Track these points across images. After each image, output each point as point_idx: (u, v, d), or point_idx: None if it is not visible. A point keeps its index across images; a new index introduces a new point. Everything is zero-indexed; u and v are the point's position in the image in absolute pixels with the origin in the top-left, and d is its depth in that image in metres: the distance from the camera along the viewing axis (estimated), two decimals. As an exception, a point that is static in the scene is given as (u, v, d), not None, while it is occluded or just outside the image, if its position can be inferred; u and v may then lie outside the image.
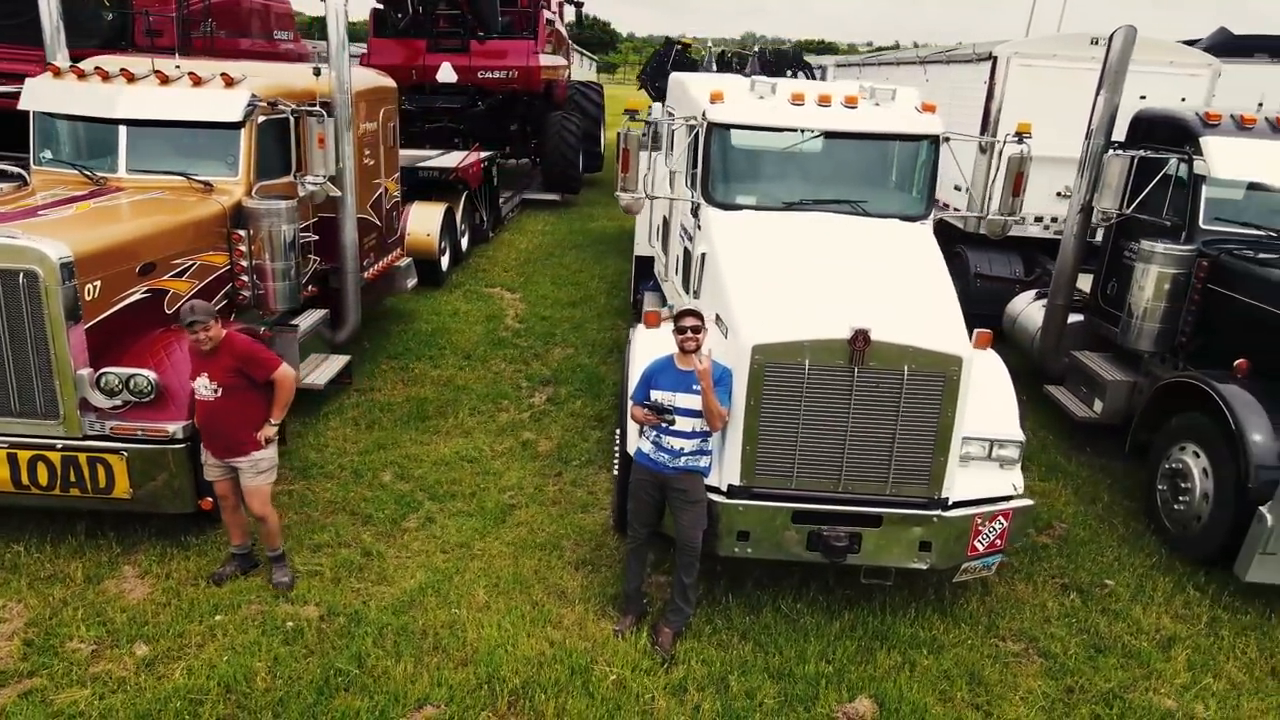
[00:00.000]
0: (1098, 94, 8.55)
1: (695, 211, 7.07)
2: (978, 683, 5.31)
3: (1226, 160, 7.53)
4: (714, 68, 19.67)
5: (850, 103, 6.93)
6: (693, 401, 5.28)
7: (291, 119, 7.52)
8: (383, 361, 10.05)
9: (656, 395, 5.34)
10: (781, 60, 20.42)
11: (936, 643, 5.62)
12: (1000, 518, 5.69)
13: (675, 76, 9.80)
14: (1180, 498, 6.86)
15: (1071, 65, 11.35)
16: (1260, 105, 8.52)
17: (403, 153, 15.04)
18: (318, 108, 7.59)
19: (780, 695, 5.09)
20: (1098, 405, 8.47)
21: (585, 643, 5.43)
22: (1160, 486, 7.09)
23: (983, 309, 11.17)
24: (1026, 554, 6.74)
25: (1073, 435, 8.83)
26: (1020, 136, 6.79)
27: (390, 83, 10.42)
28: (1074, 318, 9.22)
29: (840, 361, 5.28)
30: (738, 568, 6.05)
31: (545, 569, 6.21)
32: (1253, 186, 7.82)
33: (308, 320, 8.40)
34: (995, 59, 11.65)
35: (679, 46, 20.74)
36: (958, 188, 10.32)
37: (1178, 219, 7.88)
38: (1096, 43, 11.56)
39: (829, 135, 6.87)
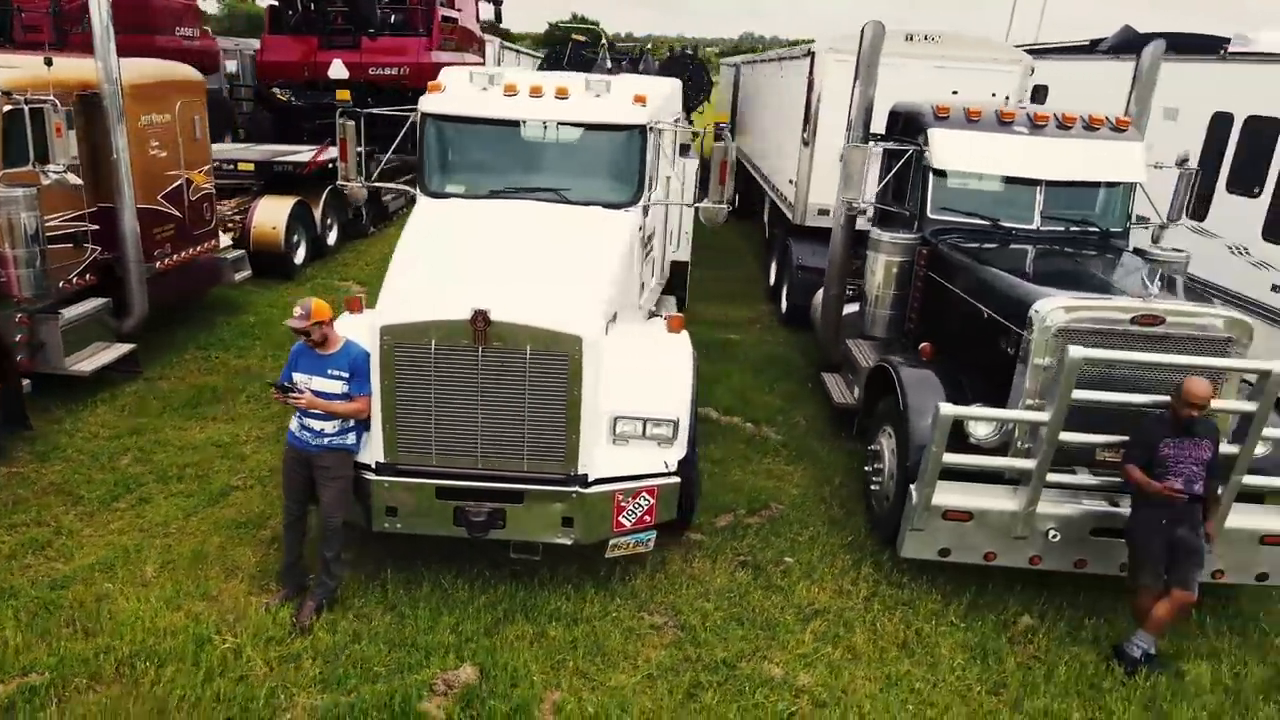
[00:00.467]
0: (854, 88, 8.73)
1: (412, 201, 7.25)
2: (598, 653, 5.48)
3: (947, 151, 7.73)
4: (608, 64, 19.82)
5: (561, 94, 7.10)
6: (329, 385, 5.47)
7: (26, 109, 7.66)
8: (190, 350, 10.20)
9: (298, 378, 5.52)
10: (681, 60, 20.64)
11: (576, 615, 5.78)
12: (645, 494, 5.87)
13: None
14: (875, 479, 7.04)
15: (886, 60, 11.51)
16: (1002, 96, 8.73)
17: (259, 148, 15.30)
18: (51, 98, 7.73)
19: (393, 663, 5.26)
20: (856, 391, 8.65)
21: (230, 615, 5.59)
22: (865, 468, 7.28)
23: (803, 299, 11.42)
24: (726, 533, 6.91)
25: (840, 421, 9.00)
26: (720, 129, 6.97)
27: (192, 75, 10.55)
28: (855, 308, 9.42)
29: (465, 341, 5.45)
30: (411, 543, 6.21)
31: (231, 546, 6.38)
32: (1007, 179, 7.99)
33: (79, 308, 8.55)
34: (814, 55, 11.85)
35: (574, 42, 20.89)
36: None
37: (914, 208, 8.08)
38: (912, 39, 11.79)
39: (532, 124, 7.03)
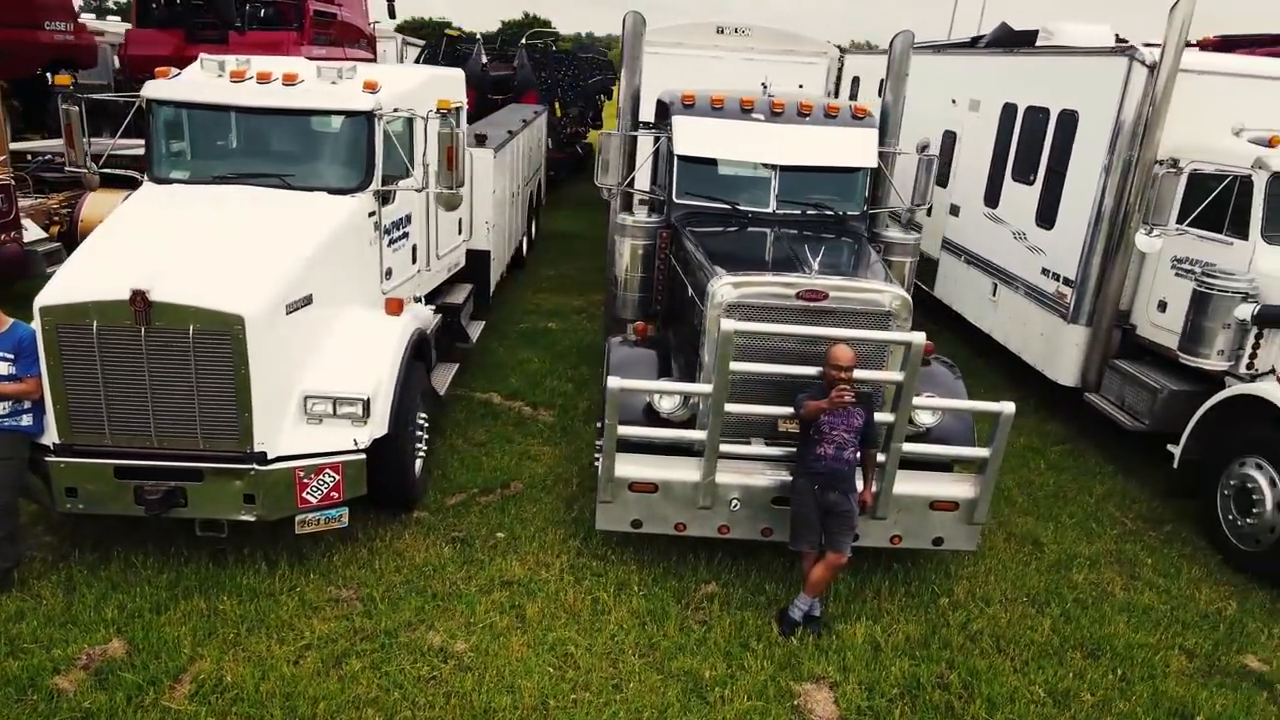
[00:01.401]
0: (620, 79, 8.92)
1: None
2: (264, 626, 5.58)
3: (687, 137, 7.95)
4: (484, 59, 19.91)
5: (290, 80, 7.17)
6: (-4, 366, 5.51)
7: None
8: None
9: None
10: (550, 54, 20.72)
11: (258, 590, 5.88)
12: (330, 471, 5.98)
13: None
14: (597, 456, 7.23)
15: (698, 52, 11.83)
16: (765, 86, 8.98)
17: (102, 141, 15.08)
18: None
19: (45, 640, 5.31)
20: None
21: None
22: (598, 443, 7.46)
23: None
24: (451, 511, 7.06)
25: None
26: (444, 114, 7.10)
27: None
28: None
29: (126, 322, 5.51)
30: (115, 524, 6.25)
31: None
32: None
33: None
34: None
35: (448, 38, 20.95)
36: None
37: (664, 193, 8.29)
38: (723, 31, 12.07)
39: (252, 111, 7.10)
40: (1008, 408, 5.88)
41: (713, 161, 8.04)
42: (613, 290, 8.54)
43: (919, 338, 5.71)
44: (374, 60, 23.66)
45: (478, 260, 10.45)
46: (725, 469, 6.12)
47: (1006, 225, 10.92)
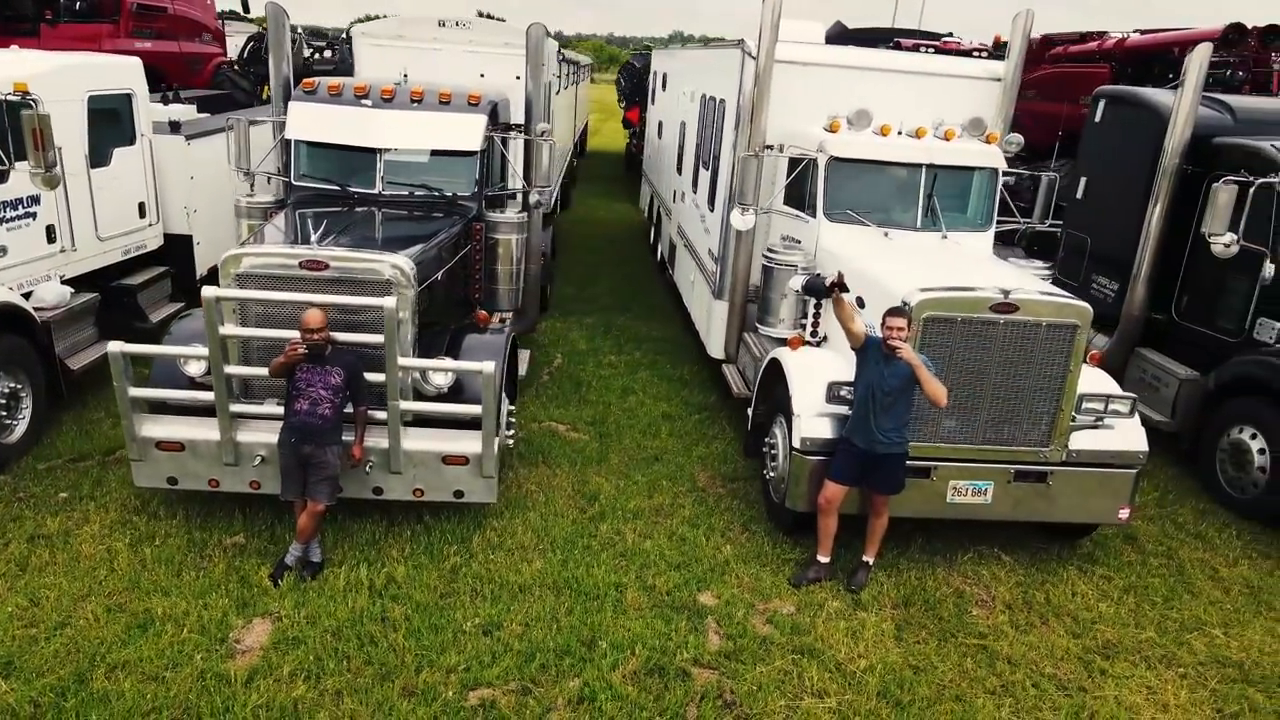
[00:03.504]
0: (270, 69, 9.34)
1: None
2: None
3: (297, 122, 8.39)
4: (306, 51, 20.19)
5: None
6: None
7: None
8: None
9: None
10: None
11: None
12: None
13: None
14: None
15: (417, 45, 12.24)
16: (404, 76, 9.45)
17: None
18: None
19: None
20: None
21: None
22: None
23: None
24: (41, 475, 7.44)
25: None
26: (22, 96, 7.47)
27: None
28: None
29: None
30: None
31: None
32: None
33: None
34: (351, 38, 12.49)
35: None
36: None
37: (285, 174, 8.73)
38: (444, 25, 12.50)
39: None
40: (487, 367, 6.39)
41: (327, 145, 8.47)
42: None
43: (389, 303, 6.18)
44: (223, 55, 23.80)
45: (179, 244, 10.80)
46: (249, 428, 6.58)
47: (698, 209, 11.51)
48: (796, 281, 7.93)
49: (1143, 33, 20.04)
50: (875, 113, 8.50)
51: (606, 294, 14.09)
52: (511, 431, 7.66)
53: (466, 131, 8.45)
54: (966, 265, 7.47)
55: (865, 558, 6.74)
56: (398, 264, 6.62)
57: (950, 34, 23.44)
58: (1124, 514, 6.91)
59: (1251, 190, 8.17)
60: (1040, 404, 6.65)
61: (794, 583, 6.63)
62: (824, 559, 6.70)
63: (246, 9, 25.97)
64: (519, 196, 9.23)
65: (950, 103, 8.92)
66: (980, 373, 6.56)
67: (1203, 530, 7.85)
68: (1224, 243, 8.32)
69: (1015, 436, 6.71)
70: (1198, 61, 8.87)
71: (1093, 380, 6.84)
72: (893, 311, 6.12)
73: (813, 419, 6.68)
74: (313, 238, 6.86)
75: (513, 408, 7.74)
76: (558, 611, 6.10)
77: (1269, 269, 8.28)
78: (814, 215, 8.31)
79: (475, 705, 5.22)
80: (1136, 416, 6.87)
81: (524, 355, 9.14)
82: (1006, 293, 6.41)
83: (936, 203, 8.11)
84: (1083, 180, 10.97)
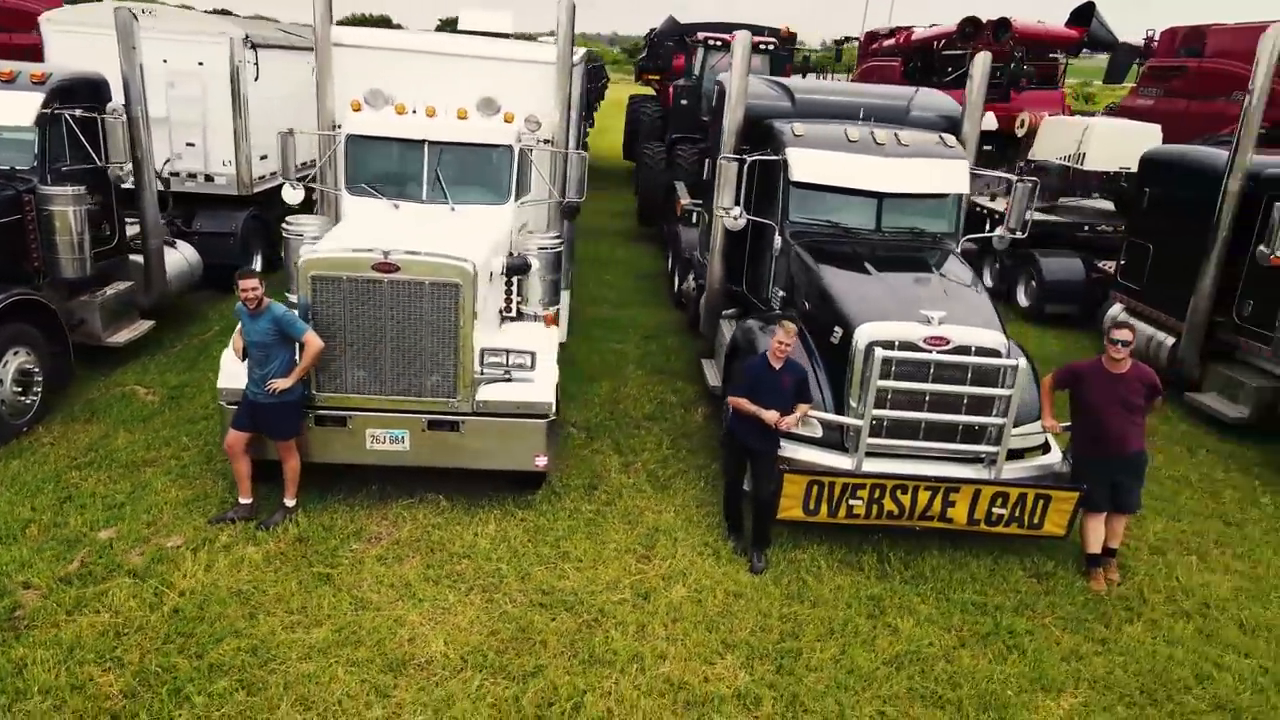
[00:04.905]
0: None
1: None
2: None
3: None
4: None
5: None
6: None
7: None
8: None
9: None
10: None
11: None
12: None
13: None
14: None
15: (100, 32, 12.76)
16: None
17: None
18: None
19: None
20: None
21: None
22: None
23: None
24: None
25: None
26: None
27: None
28: None
29: None
30: None
31: None
32: None
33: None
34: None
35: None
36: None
37: None
38: (136, 18, 13.01)
39: None
40: None
41: None
42: None
43: None
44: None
45: None
46: None
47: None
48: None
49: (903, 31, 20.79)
50: (432, 95, 9.01)
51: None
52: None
53: (19, 107, 8.96)
54: (444, 231, 7.90)
55: (285, 500, 7.27)
56: None
57: (785, 28, 23.99)
58: (540, 461, 7.45)
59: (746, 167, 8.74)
60: (441, 357, 7.19)
61: (211, 520, 7.16)
62: (245, 500, 7.23)
63: None
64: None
65: (505, 85, 9.39)
66: (377, 328, 7.09)
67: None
68: (734, 214, 8.90)
69: (424, 388, 7.25)
70: (742, 47, 9.45)
71: (491, 337, 7.38)
72: (243, 273, 6.70)
73: (228, 372, 7.21)
74: None
75: None
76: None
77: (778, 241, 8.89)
78: (339, 188, 8.84)
79: None
80: (538, 370, 7.40)
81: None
82: (387, 253, 6.94)
83: (441, 176, 8.62)
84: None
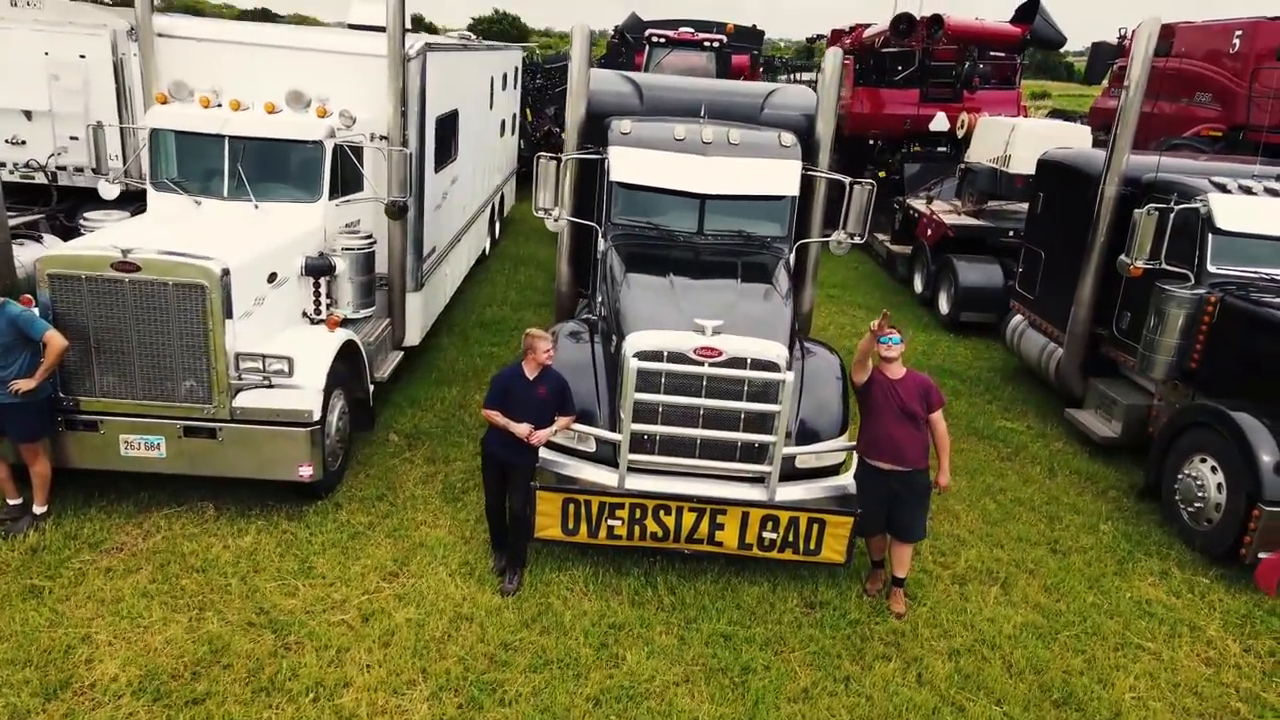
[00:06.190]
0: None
1: None
2: None
3: None
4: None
5: None
6: None
7: None
8: None
9: None
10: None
11: None
12: None
13: None
14: None
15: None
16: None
17: None
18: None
19: None
20: None
21: None
22: None
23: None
24: None
25: None
26: None
27: None
28: None
29: None
30: None
31: None
32: None
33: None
34: None
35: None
36: None
37: None
38: (15, 4, 12.90)
39: None
40: None
41: None
42: None
43: None
44: None
45: None
46: None
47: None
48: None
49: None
50: (255, 88, 8.75)
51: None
52: None
53: None
54: (215, 230, 7.59)
55: (35, 507, 7.01)
56: None
57: (727, 24, 23.55)
58: (304, 471, 7.12)
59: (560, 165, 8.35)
60: (192, 361, 6.89)
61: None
62: (14, 501, 6.99)
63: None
64: None
65: (326, 78, 9.10)
66: (121, 329, 6.80)
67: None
68: (553, 215, 8.53)
69: (177, 392, 6.95)
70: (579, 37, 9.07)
71: (250, 341, 7.06)
72: None
73: None
74: None
75: None
76: None
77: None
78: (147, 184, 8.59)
79: None
80: (301, 376, 7.07)
81: None
82: (126, 252, 6.65)
83: (244, 172, 8.32)
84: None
